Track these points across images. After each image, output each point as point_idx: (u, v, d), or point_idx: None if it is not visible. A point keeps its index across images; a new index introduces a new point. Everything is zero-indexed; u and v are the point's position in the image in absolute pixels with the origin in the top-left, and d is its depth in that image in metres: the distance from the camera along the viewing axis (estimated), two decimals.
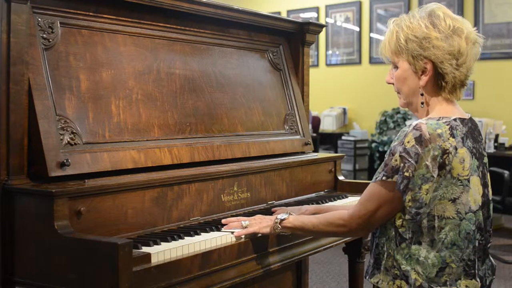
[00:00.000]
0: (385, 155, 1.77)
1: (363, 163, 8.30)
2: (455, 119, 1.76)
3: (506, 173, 5.39)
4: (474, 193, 1.74)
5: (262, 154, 2.56)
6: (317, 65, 9.26)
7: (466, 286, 1.73)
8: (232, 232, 2.00)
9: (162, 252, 1.74)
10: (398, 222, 1.74)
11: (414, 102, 1.85)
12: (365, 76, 8.65)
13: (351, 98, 8.84)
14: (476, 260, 1.76)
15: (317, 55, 9.31)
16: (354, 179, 7.77)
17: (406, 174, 1.68)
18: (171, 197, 2.05)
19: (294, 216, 2.00)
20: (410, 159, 1.68)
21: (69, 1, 2.00)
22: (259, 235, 2.03)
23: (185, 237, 1.91)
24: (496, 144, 6.32)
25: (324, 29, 4.88)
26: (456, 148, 1.70)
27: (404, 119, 7.94)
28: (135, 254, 1.65)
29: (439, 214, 1.70)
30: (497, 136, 6.42)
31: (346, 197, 2.72)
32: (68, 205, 1.70)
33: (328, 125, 8.89)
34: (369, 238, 2.01)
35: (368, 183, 1.83)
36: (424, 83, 1.79)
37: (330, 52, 9.26)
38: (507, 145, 6.42)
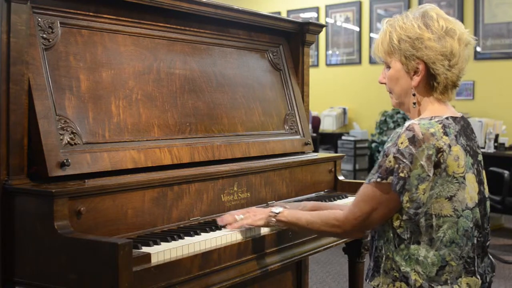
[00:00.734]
0: (379, 157, 1.77)
1: (363, 163, 8.30)
2: (447, 118, 1.77)
3: (506, 173, 5.38)
4: (470, 190, 1.75)
5: (262, 154, 2.56)
6: (317, 65, 9.26)
7: (467, 283, 1.73)
8: (225, 226, 2.01)
9: (162, 252, 1.74)
10: (396, 223, 1.74)
11: (406, 102, 1.86)
12: (365, 76, 8.65)
13: (351, 98, 8.85)
14: (475, 257, 1.76)
15: (317, 55, 9.31)
16: (354, 179, 7.77)
17: (402, 175, 1.68)
18: (171, 197, 2.05)
19: (289, 211, 2.00)
20: (404, 160, 1.68)
21: (69, 1, 2.00)
22: (253, 227, 2.04)
23: (185, 237, 1.91)
24: (496, 144, 6.31)
25: (324, 29, 4.88)
26: (450, 146, 1.70)
27: (404, 119, 7.94)
28: (135, 254, 1.65)
29: (436, 213, 1.71)
30: (497, 136, 6.41)
31: (346, 197, 2.72)
32: (68, 205, 1.70)
33: (328, 125, 8.90)
34: (368, 238, 2.00)
35: None
36: (416, 83, 1.80)
37: (330, 52, 9.26)
38: (507, 145, 6.42)
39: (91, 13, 2.06)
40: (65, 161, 1.82)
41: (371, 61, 8.63)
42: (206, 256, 1.86)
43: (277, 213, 1.98)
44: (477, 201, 1.77)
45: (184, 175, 2.10)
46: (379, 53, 1.87)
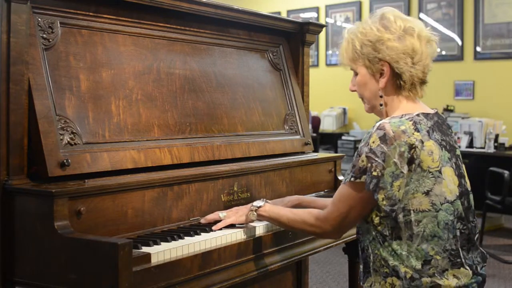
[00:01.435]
0: (354, 157, 1.81)
1: None
2: (418, 114, 1.80)
3: (506, 173, 5.38)
4: (449, 184, 1.77)
5: (262, 154, 2.56)
6: (317, 65, 9.26)
7: (454, 275, 1.75)
8: (211, 225, 2.03)
9: (162, 252, 1.75)
10: (376, 220, 1.78)
11: (377, 105, 1.90)
12: None
13: (351, 98, 8.80)
14: (460, 249, 1.77)
15: (317, 55, 9.31)
16: None
17: (374, 173, 1.71)
18: (171, 197, 2.05)
19: (270, 206, 2.03)
20: (376, 159, 1.71)
21: (69, 1, 2.00)
22: (237, 225, 2.07)
23: (185, 237, 1.91)
24: (496, 144, 6.31)
25: (324, 29, 4.88)
26: (422, 142, 1.73)
27: None
28: (135, 254, 1.65)
29: (414, 208, 1.73)
30: (497, 136, 6.41)
31: None
32: (68, 205, 1.70)
33: (328, 125, 8.90)
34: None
35: None
36: (383, 85, 1.85)
37: (330, 52, 9.26)
38: (507, 145, 6.42)
39: (91, 13, 2.06)
40: (65, 161, 1.82)
41: None
42: (206, 256, 1.86)
43: (258, 207, 2.02)
44: (458, 194, 1.79)
45: (184, 175, 2.10)
46: (344, 61, 1.93)
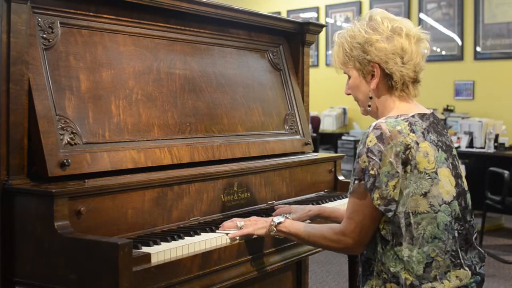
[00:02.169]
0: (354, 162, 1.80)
1: None
2: (413, 116, 1.80)
3: (506, 173, 5.38)
4: (446, 185, 1.76)
5: (262, 154, 2.56)
6: (317, 65, 9.26)
7: (457, 276, 1.74)
8: (227, 234, 1.99)
9: (162, 252, 1.75)
10: (381, 225, 1.76)
11: (371, 107, 1.90)
12: None
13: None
14: (459, 250, 1.77)
15: (317, 55, 9.31)
16: None
17: (372, 172, 1.71)
18: (171, 197, 2.05)
19: (290, 221, 1.98)
20: (374, 157, 1.71)
21: (69, 1, 2.00)
22: (254, 236, 2.02)
23: (185, 237, 1.91)
24: (496, 144, 6.31)
25: (324, 29, 4.88)
26: (417, 143, 1.73)
27: None
28: (135, 254, 1.65)
29: (413, 210, 1.73)
30: (497, 136, 6.41)
31: (346, 197, 2.72)
32: (68, 205, 1.70)
33: (328, 125, 8.90)
34: None
35: None
36: (374, 86, 1.85)
37: (330, 52, 9.26)
38: (507, 145, 6.42)
39: (91, 13, 2.06)
40: (65, 161, 1.82)
41: None
42: (206, 256, 1.86)
43: (278, 223, 1.97)
44: (454, 195, 1.79)
45: (184, 175, 2.10)
46: (336, 65, 1.93)
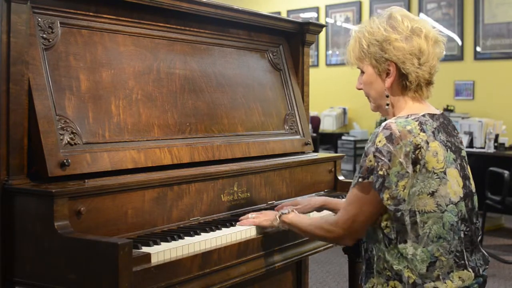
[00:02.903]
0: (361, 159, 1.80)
1: None
2: (423, 115, 1.80)
3: (506, 173, 5.38)
4: (453, 185, 1.77)
5: (262, 154, 2.56)
6: (317, 65, 9.26)
7: (459, 277, 1.75)
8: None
9: (162, 252, 1.75)
10: (383, 223, 1.77)
11: (382, 104, 1.90)
12: None
13: (351, 98, 8.84)
14: (464, 251, 1.78)
15: (317, 55, 9.31)
16: None
17: (381, 172, 1.71)
18: (171, 197, 2.05)
19: (294, 214, 2.04)
20: (383, 158, 1.71)
21: (69, 1, 2.00)
22: (261, 227, 2.10)
23: (185, 237, 1.91)
24: (496, 144, 6.31)
25: (324, 29, 4.88)
26: (427, 142, 1.73)
27: None
28: (135, 254, 1.65)
29: (420, 209, 1.73)
30: (497, 136, 6.41)
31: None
32: (68, 205, 1.70)
33: (328, 125, 8.89)
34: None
35: None
36: (389, 85, 1.85)
37: (330, 52, 9.26)
38: (507, 145, 6.42)
39: (91, 13, 2.06)
40: (65, 161, 1.82)
41: None
42: (206, 256, 1.86)
43: (282, 214, 2.03)
44: (462, 196, 1.79)
45: (184, 175, 2.10)
46: (351, 60, 1.93)
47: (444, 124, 1.85)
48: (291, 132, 2.78)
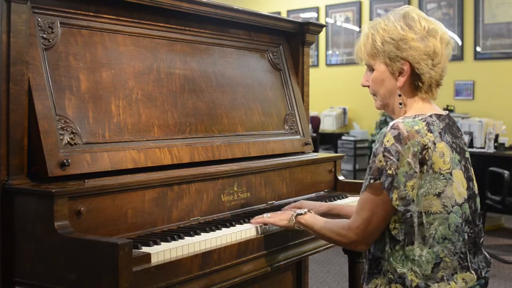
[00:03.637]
0: (370, 162, 1.79)
1: (363, 163, 8.30)
2: (430, 116, 1.79)
3: (506, 173, 5.38)
4: (458, 186, 1.76)
5: (262, 154, 2.56)
6: (317, 65, 9.26)
7: (463, 279, 1.74)
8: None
9: (162, 252, 1.74)
10: (391, 225, 1.75)
11: (390, 103, 1.88)
12: None
13: (351, 98, 8.85)
14: (468, 252, 1.77)
15: (317, 55, 9.31)
16: (354, 179, 7.77)
17: (389, 172, 1.70)
18: (171, 197, 2.05)
19: (310, 215, 2.03)
20: (391, 157, 1.70)
21: (69, 1, 2.00)
22: (276, 227, 2.11)
23: (185, 237, 1.91)
24: (496, 144, 6.31)
25: (324, 29, 4.88)
26: (434, 143, 1.72)
27: None
28: (135, 254, 1.65)
29: (426, 210, 1.72)
30: (497, 136, 6.41)
31: (346, 197, 2.72)
32: (68, 205, 1.70)
33: (328, 125, 8.90)
34: None
35: None
36: (401, 84, 1.82)
37: (330, 52, 9.26)
38: (507, 145, 6.42)
39: (91, 13, 2.06)
40: (65, 161, 1.82)
41: None
42: (206, 256, 1.86)
43: (298, 214, 2.02)
44: (466, 197, 1.78)
45: (184, 175, 2.10)
46: (362, 55, 1.88)
47: (450, 125, 1.84)
48: (291, 132, 2.78)
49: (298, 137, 2.81)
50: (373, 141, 8.27)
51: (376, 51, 1.83)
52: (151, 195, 1.98)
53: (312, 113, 8.53)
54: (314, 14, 9.36)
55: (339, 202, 2.63)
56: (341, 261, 5.07)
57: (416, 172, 1.69)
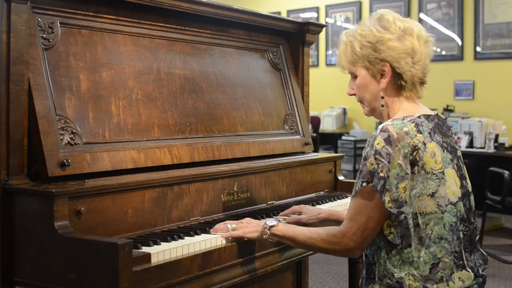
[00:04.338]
0: (360, 166, 1.78)
1: None
2: (419, 116, 1.80)
3: (506, 173, 5.38)
4: (451, 185, 1.76)
5: (262, 154, 2.56)
6: (317, 65, 9.26)
7: (459, 278, 1.74)
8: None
9: (162, 252, 1.74)
10: (386, 230, 1.75)
11: (377, 107, 1.89)
12: None
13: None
14: (463, 251, 1.77)
15: (317, 55, 9.31)
16: (354, 179, 7.73)
17: (381, 174, 1.70)
18: (171, 197, 2.05)
19: (284, 225, 1.94)
20: (383, 160, 1.70)
21: (69, 1, 2.00)
22: (245, 239, 1.98)
23: (185, 237, 1.91)
24: (496, 144, 6.31)
25: (324, 29, 4.88)
26: (424, 144, 1.73)
27: None
28: (135, 254, 1.65)
29: (421, 211, 1.72)
30: (497, 136, 6.41)
31: (346, 197, 2.72)
32: (68, 205, 1.70)
33: (328, 125, 8.90)
34: None
35: None
36: (384, 85, 1.84)
37: (330, 52, 9.26)
38: (507, 145, 6.42)
39: (91, 13, 2.06)
40: (65, 161, 1.82)
41: None
42: (206, 256, 1.86)
43: (270, 226, 1.92)
44: (460, 196, 1.79)
45: (184, 175, 2.10)
46: (343, 64, 1.91)
47: (439, 124, 1.84)
48: (291, 132, 2.78)
49: (298, 137, 2.81)
50: None
51: (356, 57, 1.85)
52: (151, 195, 1.98)
53: (312, 113, 8.53)
54: (314, 14, 9.36)
55: (339, 202, 2.63)
56: (341, 261, 5.07)
57: (407, 173, 1.69)
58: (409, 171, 1.70)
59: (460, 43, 7.80)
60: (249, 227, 1.97)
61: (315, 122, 8.74)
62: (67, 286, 1.64)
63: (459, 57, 7.80)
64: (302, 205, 2.30)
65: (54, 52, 1.92)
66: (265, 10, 7.55)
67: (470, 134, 6.48)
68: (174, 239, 1.86)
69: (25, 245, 1.74)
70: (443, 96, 7.77)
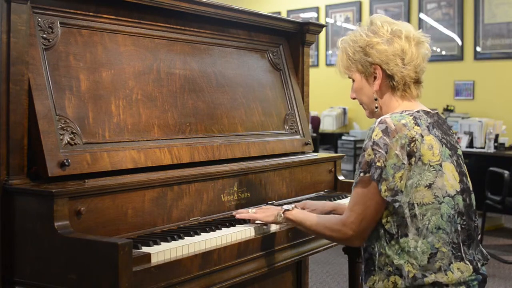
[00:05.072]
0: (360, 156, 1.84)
1: None
2: (418, 111, 1.86)
3: (506, 173, 5.38)
4: (449, 178, 1.81)
5: (262, 154, 2.56)
6: (317, 65, 9.26)
7: (458, 268, 1.77)
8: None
9: (162, 252, 1.75)
10: (383, 220, 1.80)
11: (374, 109, 1.96)
12: None
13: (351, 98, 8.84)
14: (461, 243, 1.80)
15: (317, 55, 9.31)
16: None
17: (378, 164, 1.76)
18: (171, 197, 2.05)
19: (298, 210, 2.06)
20: (380, 150, 1.76)
21: (69, 1, 2.00)
22: (276, 227, 2.12)
23: (185, 237, 1.91)
24: (496, 144, 6.31)
25: (324, 29, 4.88)
26: (422, 136, 1.78)
27: None
28: (135, 254, 1.65)
29: (418, 202, 1.77)
30: (497, 136, 6.41)
31: (346, 197, 2.72)
32: (68, 205, 1.70)
33: (328, 125, 8.89)
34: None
35: None
36: (377, 87, 1.92)
37: (330, 52, 9.26)
38: (507, 145, 6.42)
39: (91, 13, 2.06)
40: (65, 161, 1.82)
41: None
42: (206, 256, 1.86)
43: (285, 210, 2.05)
44: (458, 190, 1.82)
45: (184, 175, 2.10)
46: (341, 70, 2.01)
47: (439, 122, 1.90)
48: (291, 132, 2.79)
49: (298, 137, 2.81)
50: None
51: (350, 62, 1.95)
52: (151, 195, 1.98)
53: (312, 113, 8.53)
54: (314, 14, 9.36)
55: (339, 202, 2.63)
56: (341, 261, 5.07)
57: (404, 163, 1.75)
58: (406, 162, 1.75)
59: (460, 43, 7.80)
60: (267, 212, 2.11)
61: (315, 122, 8.74)
62: (67, 286, 1.65)
63: (459, 57, 7.79)
64: (306, 201, 2.35)
65: (54, 52, 1.92)
66: (265, 10, 7.56)
67: (470, 134, 6.48)
68: (174, 239, 1.86)
69: (25, 245, 1.74)
70: (443, 96, 7.77)
